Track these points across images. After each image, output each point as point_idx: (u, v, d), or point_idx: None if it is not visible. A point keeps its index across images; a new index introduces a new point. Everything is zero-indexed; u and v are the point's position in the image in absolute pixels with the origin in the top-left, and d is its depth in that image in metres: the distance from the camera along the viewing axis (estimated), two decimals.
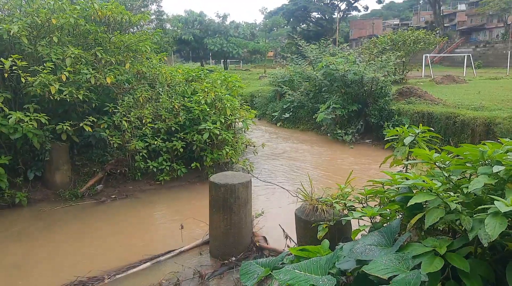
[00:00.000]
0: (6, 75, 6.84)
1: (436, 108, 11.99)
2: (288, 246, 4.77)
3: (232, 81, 10.26)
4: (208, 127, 8.20)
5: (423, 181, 2.24)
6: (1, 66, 6.67)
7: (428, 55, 27.59)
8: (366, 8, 77.06)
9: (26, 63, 6.96)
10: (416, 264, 1.96)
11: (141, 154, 8.04)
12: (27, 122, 6.68)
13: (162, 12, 45.73)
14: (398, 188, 2.58)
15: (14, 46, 7.45)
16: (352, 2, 70.99)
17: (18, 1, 7.93)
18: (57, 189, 7.66)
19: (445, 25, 61.40)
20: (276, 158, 11.25)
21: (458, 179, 2.43)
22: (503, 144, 2.32)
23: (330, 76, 14.04)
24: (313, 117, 14.84)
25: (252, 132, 11.74)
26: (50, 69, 7.03)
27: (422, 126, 3.40)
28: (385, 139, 3.72)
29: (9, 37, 7.04)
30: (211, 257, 5.13)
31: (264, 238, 5.45)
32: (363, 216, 2.78)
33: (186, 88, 9.31)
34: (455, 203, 2.07)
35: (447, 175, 2.38)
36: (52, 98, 7.03)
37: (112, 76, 7.67)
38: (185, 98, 8.98)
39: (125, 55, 8.39)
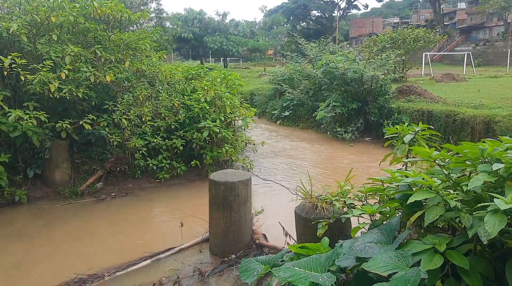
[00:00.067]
0: (5, 73, 6.83)
1: (436, 106, 11.99)
2: (287, 244, 4.77)
3: (232, 79, 10.24)
4: (208, 125, 8.19)
5: (423, 179, 2.24)
6: (1, 64, 6.67)
7: (428, 53, 27.60)
8: (366, 6, 77.22)
9: (26, 61, 6.95)
10: (415, 261, 1.96)
11: (140, 152, 8.04)
12: (26, 120, 6.68)
13: (162, 10, 45.60)
14: (398, 186, 2.59)
15: (14, 44, 7.44)
16: (352, 0, 70.95)
17: None
18: (57, 187, 7.66)
19: (445, 23, 61.36)
20: (276, 156, 11.25)
21: (458, 177, 2.44)
22: (502, 142, 2.33)
23: (330, 74, 14.03)
24: (313, 115, 14.83)
25: (251, 130, 11.74)
26: (50, 67, 7.02)
27: (422, 124, 3.40)
28: (385, 137, 3.73)
29: (9, 35, 7.03)
30: (211, 254, 5.14)
31: (264, 235, 5.46)
32: (363, 213, 2.79)
33: (185, 86, 9.30)
34: (455, 200, 2.07)
35: (446, 173, 2.38)
36: (51, 96, 7.03)
37: (111, 74, 7.67)
38: (185, 96, 8.97)
39: (124, 53, 8.38)
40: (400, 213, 2.64)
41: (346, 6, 72.10)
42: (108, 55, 7.97)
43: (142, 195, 7.85)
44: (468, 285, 1.86)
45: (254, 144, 10.06)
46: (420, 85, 15.20)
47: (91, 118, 7.52)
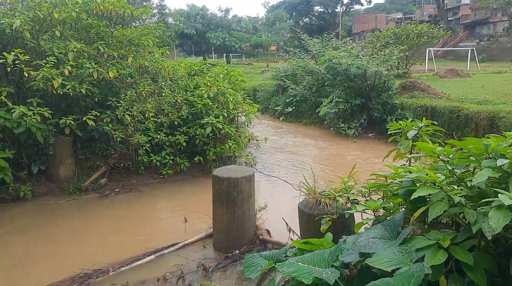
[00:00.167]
0: (9, 69, 6.85)
1: (439, 102, 11.94)
2: (291, 239, 4.79)
3: (235, 75, 10.24)
4: (211, 121, 8.20)
5: (427, 174, 2.24)
6: (4, 60, 6.69)
7: (431, 49, 27.45)
8: (369, 2, 76.40)
9: (29, 57, 6.96)
10: (419, 257, 1.96)
11: (144, 148, 8.06)
12: (30, 116, 6.71)
13: (164, 6, 45.67)
14: (401, 181, 2.58)
15: (17, 41, 7.46)
16: None
17: None
18: (61, 183, 7.70)
19: (448, 18, 60.91)
20: (279, 152, 11.25)
21: (462, 173, 2.43)
22: (507, 137, 2.32)
23: (333, 70, 13.98)
24: (316, 111, 14.80)
25: (254, 126, 11.72)
26: (53, 63, 7.04)
27: (426, 120, 3.39)
28: (388, 133, 3.72)
29: (12, 32, 7.04)
30: (215, 250, 5.16)
31: (268, 231, 5.48)
32: (366, 209, 2.78)
33: (188, 82, 9.31)
34: (459, 196, 2.07)
35: (450, 169, 2.37)
36: (55, 92, 7.04)
37: (114, 70, 7.68)
38: (188, 92, 8.97)
39: (127, 49, 8.38)
40: (403, 209, 2.63)
41: (349, 1, 71.65)
42: (111, 51, 7.97)
43: (145, 191, 7.88)
44: (472, 280, 1.86)
45: (257, 140, 10.06)
46: (424, 81, 15.13)
47: (94, 114, 7.54)
